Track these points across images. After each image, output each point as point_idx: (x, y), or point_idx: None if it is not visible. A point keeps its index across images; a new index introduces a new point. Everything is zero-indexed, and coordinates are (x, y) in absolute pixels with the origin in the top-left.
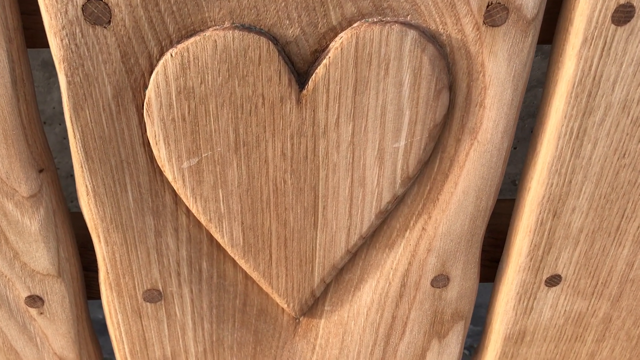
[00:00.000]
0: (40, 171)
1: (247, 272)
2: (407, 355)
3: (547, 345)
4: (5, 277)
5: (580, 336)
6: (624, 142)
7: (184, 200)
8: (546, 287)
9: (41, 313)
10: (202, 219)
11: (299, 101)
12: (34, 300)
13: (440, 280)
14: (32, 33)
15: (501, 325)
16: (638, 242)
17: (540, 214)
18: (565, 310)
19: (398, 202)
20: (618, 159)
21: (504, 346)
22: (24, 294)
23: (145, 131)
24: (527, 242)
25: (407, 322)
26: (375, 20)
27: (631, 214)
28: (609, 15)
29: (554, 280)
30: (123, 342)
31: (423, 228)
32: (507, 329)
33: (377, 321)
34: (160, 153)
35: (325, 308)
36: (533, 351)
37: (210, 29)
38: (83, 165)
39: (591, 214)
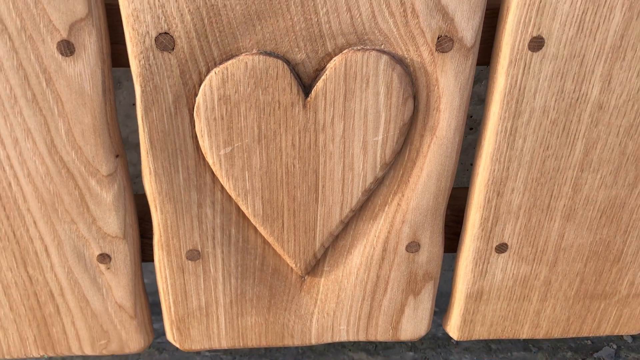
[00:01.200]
0: (116, 157)
1: (265, 237)
2: (390, 309)
3: (500, 303)
4: (84, 238)
5: (527, 296)
6: (546, 138)
7: (220, 179)
8: (496, 254)
9: (108, 268)
10: (232, 194)
11: (304, 106)
12: (104, 258)
13: (413, 246)
14: (114, 57)
15: (463, 285)
16: (566, 217)
17: (487, 193)
18: (513, 273)
19: (378, 183)
20: (543, 150)
21: (466, 303)
22: (97, 252)
23: (194, 127)
24: (478, 216)
25: (388, 281)
26: (358, 48)
27: (557, 194)
28: (526, 44)
29: (502, 248)
30: (169, 293)
31: (398, 204)
32: (467, 289)
33: (365, 279)
34: (204, 143)
35: (325, 268)
36: (490, 308)
37: (243, 54)
38: (148, 152)
39: (526, 194)
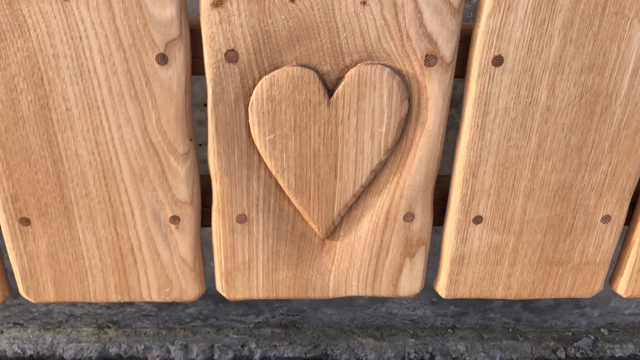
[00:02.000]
0: (190, 140)
1: (296, 206)
2: (391, 269)
3: (478, 266)
4: (161, 202)
5: (499, 261)
6: (508, 132)
7: (264, 159)
8: (474, 224)
9: (177, 228)
10: (273, 171)
11: (328, 104)
12: (175, 219)
13: (409, 217)
14: (193, 67)
15: (448, 251)
16: (527, 195)
17: (464, 175)
18: (487, 241)
19: (382, 165)
20: (506, 142)
21: (451, 266)
22: (170, 214)
23: (247, 119)
24: (459, 194)
25: (390, 245)
26: (368, 62)
27: (519, 176)
28: (490, 61)
29: (478, 220)
30: (221, 250)
31: (397, 182)
32: (452, 254)
33: (372, 243)
34: (254, 131)
35: (340, 234)
36: (470, 271)
37: (285, 66)
38: (213, 137)
39: (495, 176)
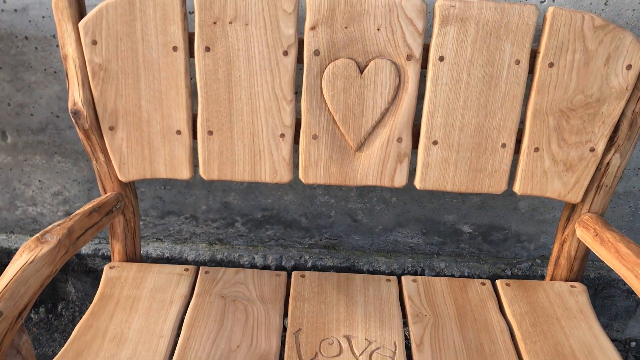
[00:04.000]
0: (294, 93)
1: (342, 131)
2: (390, 169)
3: (436, 170)
4: (276, 125)
5: (447, 168)
6: (448, 95)
7: (327, 105)
8: (433, 145)
9: (282, 140)
10: (332, 111)
11: (360, 78)
12: (282, 135)
13: (399, 140)
14: (298, 58)
15: (420, 160)
16: (460, 130)
17: (427, 118)
18: (440, 156)
19: (386, 111)
20: (447, 100)
21: (421, 170)
22: (280, 132)
23: (322, 83)
24: (424, 128)
25: (389, 155)
26: (380, 57)
27: (455, 119)
28: (438, 58)
29: (435, 143)
30: (303, 154)
31: (393, 120)
32: (422, 162)
33: (381, 155)
34: (324, 90)
35: (364, 148)
36: (431, 173)
37: (341, 58)
38: (305, 92)
39: (442, 118)
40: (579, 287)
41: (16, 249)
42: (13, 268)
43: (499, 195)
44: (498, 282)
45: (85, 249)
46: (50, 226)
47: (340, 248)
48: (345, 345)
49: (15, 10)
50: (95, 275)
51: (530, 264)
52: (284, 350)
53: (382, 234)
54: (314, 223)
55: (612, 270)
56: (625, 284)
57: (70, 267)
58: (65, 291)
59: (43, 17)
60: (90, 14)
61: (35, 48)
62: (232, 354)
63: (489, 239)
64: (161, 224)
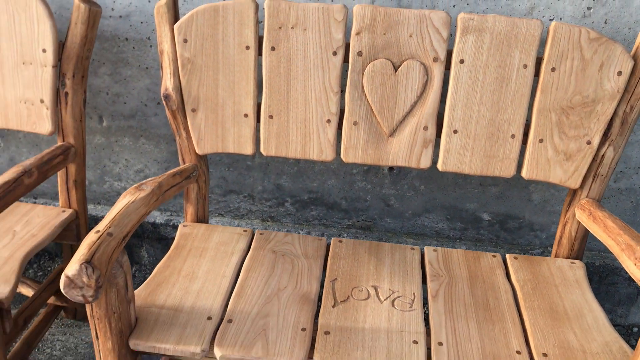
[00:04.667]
0: (339, 87)
1: (378, 119)
2: (416, 153)
3: (456, 155)
4: (324, 112)
5: (465, 153)
6: (467, 91)
7: (367, 96)
8: (453, 134)
9: (328, 124)
10: (370, 102)
11: (394, 75)
12: (328, 120)
13: (425, 128)
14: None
15: (442, 147)
16: (476, 122)
17: (449, 110)
18: (459, 143)
19: (415, 103)
20: (466, 96)
21: (443, 155)
22: (326, 118)
23: (363, 78)
24: (447, 119)
25: (416, 141)
26: (411, 59)
27: (472, 112)
28: (459, 61)
29: (455, 132)
30: (345, 138)
31: (421, 111)
32: (444, 148)
33: (410, 140)
34: (365, 84)
35: (396, 134)
36: (452, 157)
37: (379, 58)
38: (349, 86)
39: (462, 111)
40: (578, 263)
41: (102, 217)
42: (119, 205)
43: (514, 187)
44: (507, 255)
45: (159, 219)
46: (146, 180)
47: (374, 229)
48: (372, 292)
49: (120, 16)
50: (165, 243)
51: (541, 250)
52: (322, 293)
53: (411, 218)
54: (352, 206)
55: (616, 259)
56: (627, 272)
57: (145, 234)
58: (139, 255)
59: (141, 22)
60: (183, 18)
61: (133, 47)
62: (280, 292)
63: (506, 226)
64: (223, 201)
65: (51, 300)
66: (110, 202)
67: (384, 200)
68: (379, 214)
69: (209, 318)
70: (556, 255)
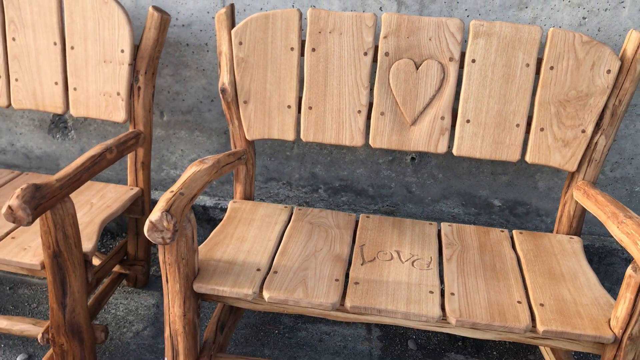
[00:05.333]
0: (370, 90)
1: (402, 110)
2: (434, 139)
3: (469, 141)
4: (355, 104)
5: (476, 140)
6: (477, 87)
7: (392, 90)
8: (466, 123)
9: (359, 114)
10: (395, 95)
11: (416, 72)
12: (359, 111)
13: (442, 118)
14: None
15: (456, 134)
16: (486, 112)
17: (463, 103)
18: (472, 131)
19: (433, 96)
20: (477, 90)
21: (458, 141)
22: (357, 109)
23: (389, 75)
24: (460, 110)
25: (435, 129)
26: (430, 59)
27: (482, 104)
28: (471, 60)
29: (468, 121)
30: (373, 126)
31: (438, 103)
32: (458, 135)
33: (429, 129)
34: (390, 80)
35: (417, 123)
36: (465, 143)
37: (404, 58)
38: (377, 81)
39: (474, 103)
40: (576, 238)
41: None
42: (188, 173)
43: (522, 175)
44: (514, 231)
45: (209, 202)
46: (207, 156)
47: (397, 214)
48: (395, 255)
49: (183, 25)
50: (214, 224)
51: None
52: (352, 255)
53: (431, 204)
54: (378, 192)
55: (615, 241)
56: (624, 252)
57: (196, 216)
58: None
59: (200, 30)
60: (239, 24)
61: (192, 52)
62: (317, 253)
63: (515, 212)
64: (264, 187)
65: (116, 269)
66: (166, 189)
67: (406, 187)
68: (402, 200)
69: (258, 270)
70: (557, 232)
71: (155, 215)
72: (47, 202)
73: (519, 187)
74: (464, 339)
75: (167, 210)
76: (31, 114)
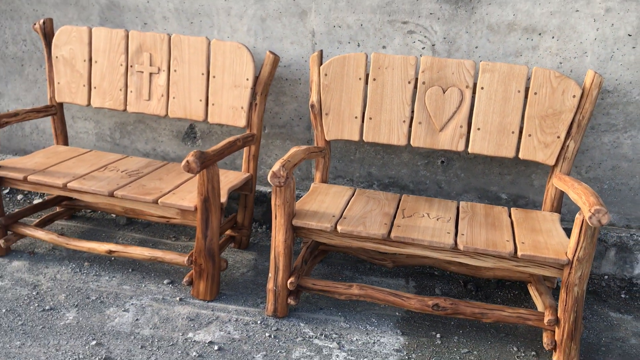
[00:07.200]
0: (412, 103)
1: (432, 118)
2: (455, 141)
3: (480, 143)
4: (402, 112)
5: (485, 142)
6: (485, 104)
7: (429, 111)
8: (477, 130)
9: (404, 123)
10: (427, 104)
11: (443, 95)
12: (404, 122)
13: (461, 126)
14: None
15: (471, 138)
16: (491, 124)
17: (475, 116)
18: (481, 135)
19: (454, 112)
20: (485, 107)
21: (471, 142)
22: (402, 120)
23: (425, 101)
24: (474, 121)
25: (456, 134)
26: (453, 86)
27: (488, 117)
28: (481, 88)
29: (479, 129)
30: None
31: (458, 116)
32: (472, 138)
33: (451, 134)
34: (427, 103)
35: (443, 130)
36: (477, 144)
37: (434, 86)
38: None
39: (483, 117)
40: (556, 214)
41: (256, 190)
42: (291, 151)
43: (522, 175)
44: (512, 208)
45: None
46: (301, 146)
47: None
48: (425, 215)
49: (284, 65)
50: None
51: None
52: (396, 214)
53: (455, 198)
54: (416, 187)
55: None
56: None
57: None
58: (269, 219)
59: (296, 69)
60: (325, 62)
61: (289, 84)
62: (372, 211)
63: (517, 204)
64: (333, 182)
65: (228, 232)
66: (262, 184)
67: (437, 184)
68: (434, 194)
69: (333, 216)
70: (542, 210)
71: (276, 166)
72: (206, 162)
73: (520, 184)
74: (476, 289)
75: (283, 165)
76: (171, 126)
